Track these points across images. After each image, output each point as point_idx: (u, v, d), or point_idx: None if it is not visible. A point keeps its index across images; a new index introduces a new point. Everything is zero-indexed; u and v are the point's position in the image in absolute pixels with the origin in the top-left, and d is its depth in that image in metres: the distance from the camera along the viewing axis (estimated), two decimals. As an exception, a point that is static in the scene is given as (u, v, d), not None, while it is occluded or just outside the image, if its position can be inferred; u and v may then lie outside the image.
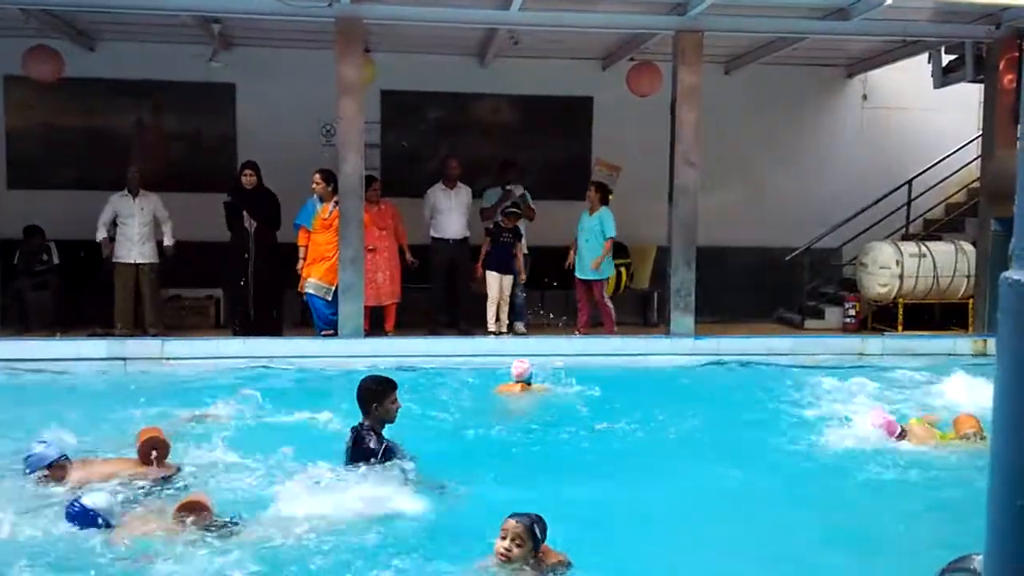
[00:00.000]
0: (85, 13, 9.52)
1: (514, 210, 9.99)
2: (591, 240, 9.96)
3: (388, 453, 5.02)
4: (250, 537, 4.16)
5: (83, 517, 4.16)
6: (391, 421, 5.17)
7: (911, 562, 4.03)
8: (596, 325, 10.20)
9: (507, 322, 9.97)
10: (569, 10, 9.20)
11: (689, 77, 9.49)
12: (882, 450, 5.76)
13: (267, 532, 4.22)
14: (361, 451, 4.99)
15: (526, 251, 10.45)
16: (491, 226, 10.02)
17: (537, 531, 3.60)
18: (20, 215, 9.95)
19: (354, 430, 5.10)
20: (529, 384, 7.41)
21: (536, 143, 11.67)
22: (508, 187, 10.38)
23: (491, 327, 9.86)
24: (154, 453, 4.96)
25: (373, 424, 5.10)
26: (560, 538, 3.89)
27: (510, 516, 3.64)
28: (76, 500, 4.24)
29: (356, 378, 5.48)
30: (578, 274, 10.09)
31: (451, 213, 10.21)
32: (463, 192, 10.34)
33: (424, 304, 10.29)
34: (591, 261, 9.90)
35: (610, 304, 10.10)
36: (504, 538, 3.57)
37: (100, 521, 4.15)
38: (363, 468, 4.87)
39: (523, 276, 10.12)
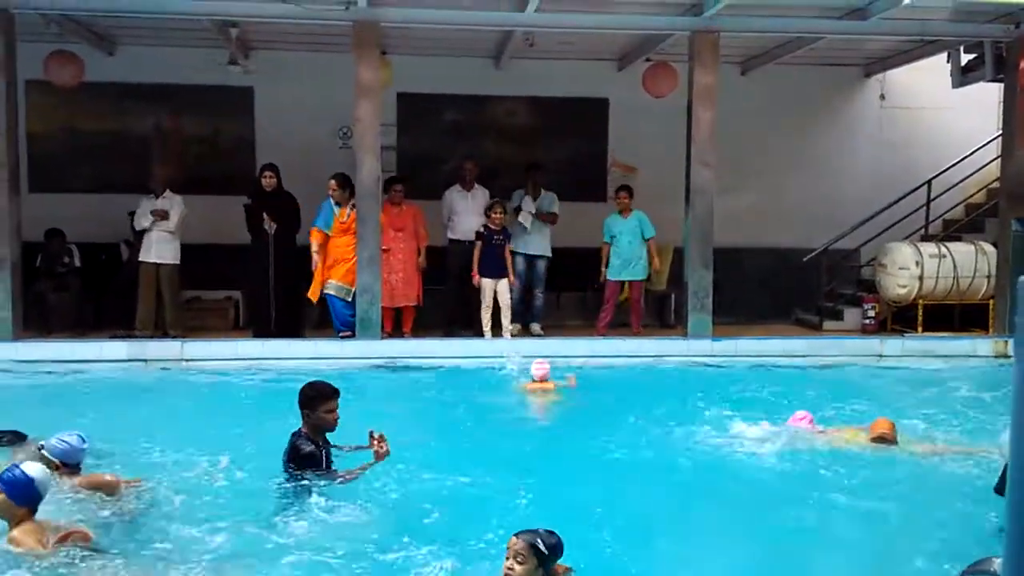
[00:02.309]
0: (104, 18, 9.61)
1: (497, 200, 9.97)
2: (633, 241, 10.12)
3: (307, 464, 4.89)
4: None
5: (17, 485, 3.90)
6: (329, 429, 5.06)
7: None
8: (619, 326, 10.24)
9: (508, 325, 9.86)
10: (585, 11, 9.21)
11: (705, 77, 9.48)
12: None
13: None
14: (297, 457, 4.93)
15: (549, 254, 10.44)
16: (481, 230, 9.95)
17: (542, 547, 3.40)
18: (41, 218, 10.03)
19: (292, 435, 5.05)
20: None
21: (552, 144, 11.67)
22: (519, 199, 10.35)
23: (486, 335, 9.75)
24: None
25: (308, 430, 5.01)
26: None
27: (515, 534, 3.48)
28: (16, 465, 4.01)
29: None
30: (615, 276, 10.13)
31: (468, 215, 10.23)
32: (480, 194, 10.36)
33: (442, 305, 10.33)
34: (639, 262, 10.12)
35: (643, 304, 10.30)
36: (508, 557, 3.43)
37: (32, 495, 3.93)
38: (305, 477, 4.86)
39: (512, 280, 9.93)
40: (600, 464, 5.65)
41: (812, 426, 6.11)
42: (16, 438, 5.49)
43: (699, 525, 4.79)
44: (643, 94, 10.28)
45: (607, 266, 10.17)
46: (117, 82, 10.93)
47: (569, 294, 11.35)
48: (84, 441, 4.75)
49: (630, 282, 10.21)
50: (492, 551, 4.00)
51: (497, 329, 9.81)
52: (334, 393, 5.04)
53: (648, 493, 5.12)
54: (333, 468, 5.01)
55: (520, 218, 10.24)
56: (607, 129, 11.82)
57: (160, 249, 9.77)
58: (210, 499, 4.80)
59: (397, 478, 5.05)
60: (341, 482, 4.88)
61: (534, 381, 7.59)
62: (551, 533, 3.47)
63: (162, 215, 9.71)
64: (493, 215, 9.82)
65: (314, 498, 4.66)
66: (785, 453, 5.68)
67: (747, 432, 6.07)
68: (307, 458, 4.91)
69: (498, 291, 9.80)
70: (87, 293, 10.34)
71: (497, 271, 9.80)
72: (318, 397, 5.01)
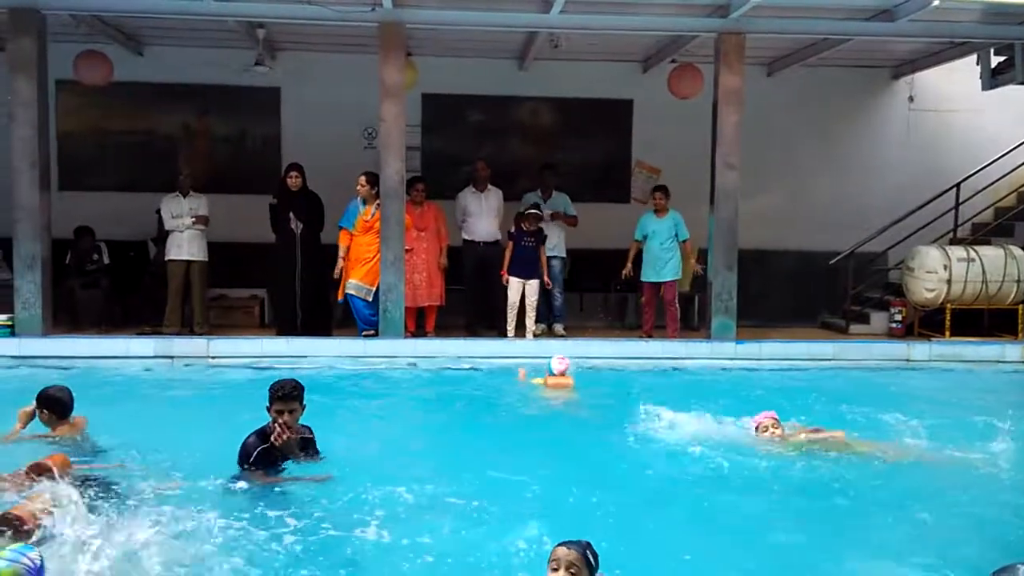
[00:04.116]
0: (133, 18, 9.72)
1: (533, 211, 9.86)
2: (665, 243, 10.00)
3: (257, 462, 4.81)
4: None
5: None
6: (272, 437, 4.88)
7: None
8: (658, 327, 10.19)
9: (532, 326, 9.83)
10: (610, 13, 9.19)
11: (731, 79, 9.43)
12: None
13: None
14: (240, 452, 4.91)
15: (563, 255, 10.46)
16: (512, 230, 9.95)
17: (591, 559, 3.26)
18: (71, 216, 10.18)
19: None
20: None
21: (576, 146, 11.67)
22: (532, 201, 10.32)
23: (509, 332, 9.75)
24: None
25: (266, 427, 4.94)
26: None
27: (559, 545, 3.29)
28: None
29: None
30: (648, 278, 10.07)
31: (481, 216, 10.24)
32: (493, 195, 10.36)
33: (464, 305, 10.35)
34: (669, 263, 9.97)
35: (677, 307, 10.14)
36: (556, 569, 3.24)
37: None
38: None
39: (547, 281, 9.97)
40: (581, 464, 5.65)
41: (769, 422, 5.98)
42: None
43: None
44: (668, 95, 10.25)
45: (632, 263, 10.13)
46: (146, 82, 11.05)
47: (592, 295, 11.34)
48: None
49: (663, 284, 10.05)
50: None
51: (521, 330, 9.81)
52: (281, 397, 4.90)
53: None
54: (276, 469, 4.89)
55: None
56: (631, 130, 11.80)
57: (192, 247, 9.91)
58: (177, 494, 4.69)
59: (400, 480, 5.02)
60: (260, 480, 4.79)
61: (553, 375, 7.77)
62: (590, 544, 3.32)
63: (204, 220, 9.92)
64: (526, 225, 9.74)
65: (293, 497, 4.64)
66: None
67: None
68: (256, 460, 4.88)
69: (526, 291, 9.79)
70: (115, 290, 10.47)
71: (525, 271, 9.77)
72: (269, 396, 4.97)
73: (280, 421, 4.91)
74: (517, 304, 9.77)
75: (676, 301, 10.12)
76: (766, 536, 4.49)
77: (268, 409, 4.98)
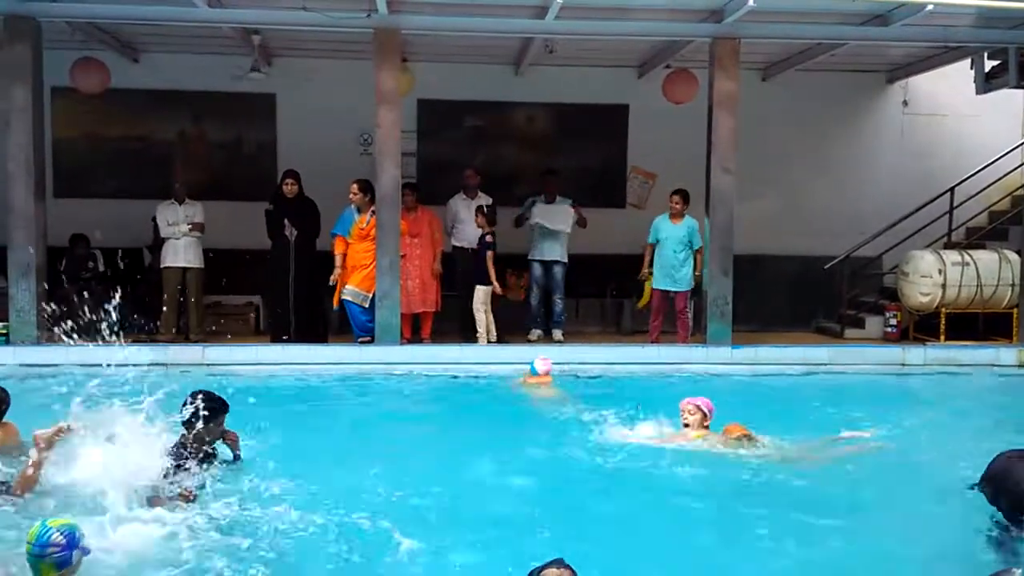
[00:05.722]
0: (129, 25, 9.72)
1: (479, 206, 9.86)
2: (678, 250, 9.81)
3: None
4: None
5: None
6: (233, 450, 5.08)
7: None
8: (664, 333, 10.10)
9: (481, 331, 9.77)
10: (605, 18, 9.20)
11: (726, 84, 9.45)
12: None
13: None
14: None
15: (565, 260, 10.40)
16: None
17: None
18: (66, 223, 10.16)
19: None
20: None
21: (572, 151, 11.68)
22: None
23: (480, 340, 9.73)
24: None
25: (181, 442, 4.85)
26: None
27: (548, 567, 3.18)
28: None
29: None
30: (659, 285, 9.93)
31: (471, 223, 10.21)
32: (483, 202, 10.36)
33: (459, 311, 10.35)
34: (683, 271, 9.79)
35: (690, 315, 9.96)
36: None
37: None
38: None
39: (496, 287, 9.86)
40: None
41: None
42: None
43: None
44: (663, 100, 10.27)
45: (649, 267, 9.95)
46: (141, 89, 11.05)
47: (588, 301, 11.35)
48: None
49: (675, 293, 9.87)
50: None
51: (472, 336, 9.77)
52: (226, 411, 5.05)
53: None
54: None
55: (531, 222, 10.31)
56: (627, 135, 11.82)
57: (188, 254, 9.93)
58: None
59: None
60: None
61: (536, 375, 7.96)
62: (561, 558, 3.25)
63: (200, 228, 9.95)
64: (478, 222, 9.85)
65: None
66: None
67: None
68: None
69: (479, 298, 9.75)
70: (110, 298, 10.42)
71: (473, 277, 9.83)
72: (207, 414, 5.00)
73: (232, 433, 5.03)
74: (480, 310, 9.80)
75: (687, 310, 9.93)
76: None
77: (186, 424, 4.98)
